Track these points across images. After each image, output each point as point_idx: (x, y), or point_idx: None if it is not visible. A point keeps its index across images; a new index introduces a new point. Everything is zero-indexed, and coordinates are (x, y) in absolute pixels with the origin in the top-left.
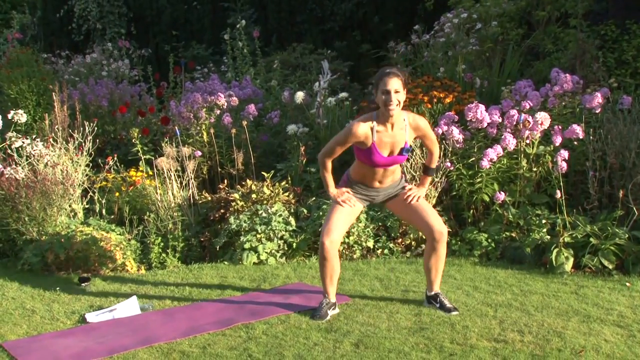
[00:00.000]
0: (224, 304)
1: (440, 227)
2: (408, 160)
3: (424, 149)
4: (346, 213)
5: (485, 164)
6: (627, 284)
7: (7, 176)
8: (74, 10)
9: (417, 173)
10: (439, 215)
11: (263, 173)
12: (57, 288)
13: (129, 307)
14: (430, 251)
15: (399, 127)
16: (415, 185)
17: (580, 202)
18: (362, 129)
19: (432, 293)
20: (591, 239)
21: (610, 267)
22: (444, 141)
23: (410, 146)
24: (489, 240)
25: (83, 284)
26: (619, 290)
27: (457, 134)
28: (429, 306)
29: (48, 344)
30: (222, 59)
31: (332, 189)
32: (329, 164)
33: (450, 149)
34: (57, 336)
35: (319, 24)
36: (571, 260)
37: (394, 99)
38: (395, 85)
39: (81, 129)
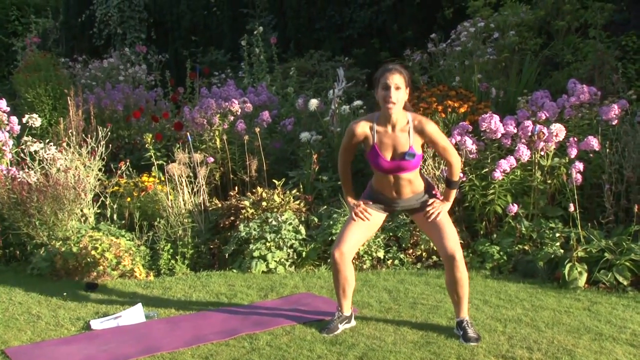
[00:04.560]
0: (230, 314)
1: (450, 250)
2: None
3: (436, 158)
4: (362, 226)
5: (497, 175)
6: None
7: (19, 180)
8: (96, 15)
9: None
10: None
11: (274, 181)
12: (64, 293)
13: (134, 315)
14: (446, 273)
15: (401, 128)
16: (439, 199)
17: (595, 216)
18: (361, 128)
19: (458, 319)
20: (606, 254)
21: (625, 283)
22: (457, 152)
23: (417, 152)
24: (501, 253)
25: (89, 290)
26: (633, 307)
27: (470, 144)
28: (456, 332)
29: (50, 351)
30: (239, 64)
31: (350, 198)
32: (346, 170)
33: (463, 160)
34: (60, 343)
35: (337, 31)
36: (585, 275)
37: (394, 95)
38: (396, 81)
39: (94, 133)
